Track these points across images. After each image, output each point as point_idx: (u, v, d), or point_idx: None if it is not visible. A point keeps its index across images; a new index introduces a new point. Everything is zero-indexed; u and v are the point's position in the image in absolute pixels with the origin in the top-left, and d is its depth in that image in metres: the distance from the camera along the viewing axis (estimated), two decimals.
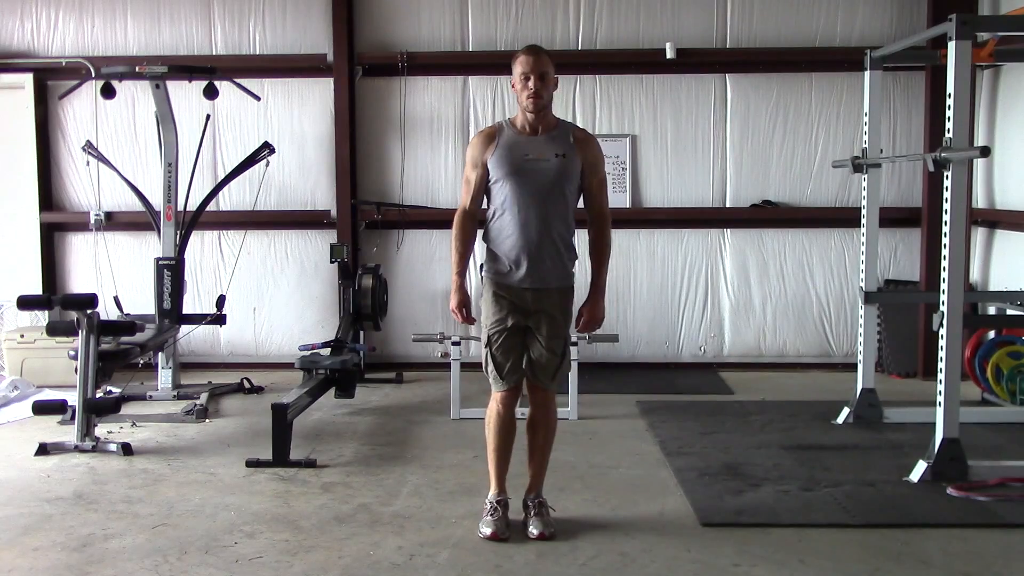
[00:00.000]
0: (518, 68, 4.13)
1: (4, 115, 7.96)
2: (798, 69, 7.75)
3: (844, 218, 7.61)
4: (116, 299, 7.02)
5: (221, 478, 5.05)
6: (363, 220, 7.81)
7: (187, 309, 7.15)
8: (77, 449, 5.45)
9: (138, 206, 7.21)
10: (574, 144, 4.18)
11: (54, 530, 4.30)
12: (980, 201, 7.39)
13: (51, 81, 7.86)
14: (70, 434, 5.57)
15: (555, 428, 4.37)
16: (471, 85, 7.84)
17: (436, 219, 7.64)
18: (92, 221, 7.78)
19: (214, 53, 7.80)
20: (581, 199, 4.29)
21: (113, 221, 7.87)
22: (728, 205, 7.85)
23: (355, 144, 7.82)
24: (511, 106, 7.80)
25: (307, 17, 7.80)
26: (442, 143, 7.89)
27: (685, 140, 7.82)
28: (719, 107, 7.81)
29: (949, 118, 4.75)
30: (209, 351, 7.96)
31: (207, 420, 6.28)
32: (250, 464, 5.20)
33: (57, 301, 5.84)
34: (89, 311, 5.62)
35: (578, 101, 7.82)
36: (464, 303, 4.26)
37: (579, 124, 7.69)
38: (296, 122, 7.88)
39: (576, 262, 4.29)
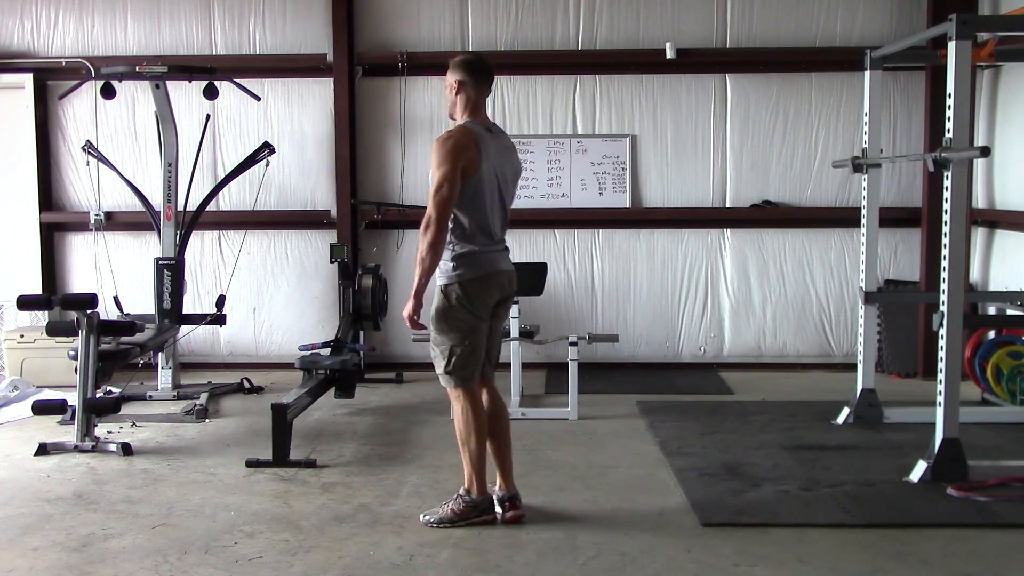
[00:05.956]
0: None
1: (4, 115, 7.96)
2: (798, 69, 7.75)
3: (844, 218, 7.62)
4: (116, 299, 7.02)
5: (221, 478, 5.05)
6: (363, 220, 7.82)
7: (187, 309, 7.16)
8: (77, 449, 5.45)
9: (138, 206, 7.22)
10: None
11: (54, 530, 4.30)
12: (980, 201, 7.39)
13: (51, 81, 7.86)
14: (70, 434, 5.58)
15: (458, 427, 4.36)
16: None
17: None
18: (92, 221, 7.78)
19: (214, 53, 7.80)
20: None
21: (113, 221, 7.87)
22: (728, 205, 7.85)
23: (355, 144, 7.82)
24: (511, 105, 7.82)
25: (307, 17, 7.80)
26: None
27: (685, 140, 7.83)
28: (719, 107, 7.81)
29: (949, 118, 4.75)
30: (209, 351, 7.96)
31: (207, 420, 6.28)
32: (250, 464, 5.20)
33: (57, 301, 5.84)
34: (89, 311, 5.62)
35: (578, 101, 7.82)
36: None
37: (578, 124, 7.82)
38: (296, 122, 7.88)
39: (447, 266, 4.42)
